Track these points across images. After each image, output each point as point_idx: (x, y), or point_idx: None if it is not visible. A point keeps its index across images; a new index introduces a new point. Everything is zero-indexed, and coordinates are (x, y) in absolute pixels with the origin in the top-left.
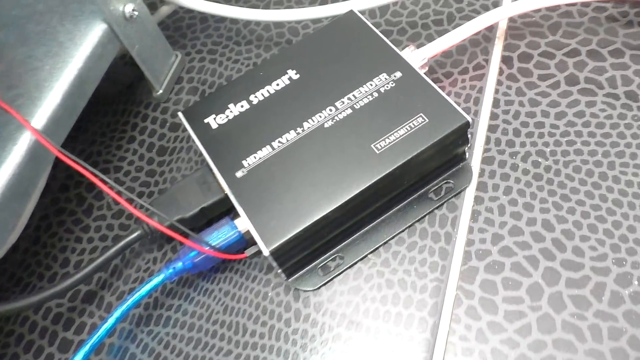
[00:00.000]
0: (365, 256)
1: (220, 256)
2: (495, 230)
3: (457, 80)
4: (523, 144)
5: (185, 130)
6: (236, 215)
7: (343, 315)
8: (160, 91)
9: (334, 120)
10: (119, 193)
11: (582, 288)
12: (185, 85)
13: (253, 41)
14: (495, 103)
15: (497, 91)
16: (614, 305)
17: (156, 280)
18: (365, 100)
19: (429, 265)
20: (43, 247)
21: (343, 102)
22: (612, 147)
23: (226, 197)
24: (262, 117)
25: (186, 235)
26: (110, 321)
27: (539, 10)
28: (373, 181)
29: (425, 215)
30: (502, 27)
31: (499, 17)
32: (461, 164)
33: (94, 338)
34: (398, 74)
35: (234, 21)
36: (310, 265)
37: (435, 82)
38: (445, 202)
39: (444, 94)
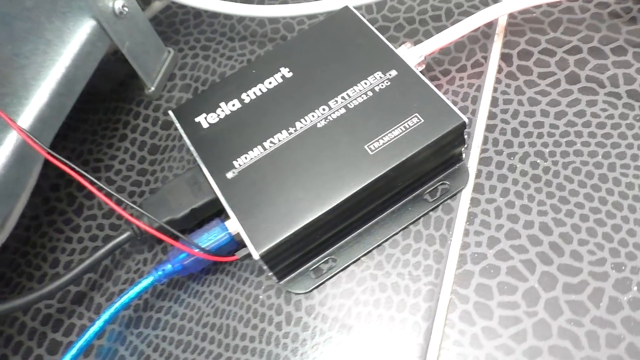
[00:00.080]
0: (359, 259)
1: (210, 259)
2: (491, 233)
3: (454, 78)
4: (521, 145)
5: (177, 128)
6: (227, 216)
7: (335, 319)
8: (152, 88)
9: (327, 120)
10: (108, 195)
11: (580, 293)
12: (178, 82)
13: (247, 37)
14: (494, 102)
15: (495, 89)
16: (612, 311)
17: (144, 283)
18: (360, 100)
19: (423, 268)
20: (33, 247)
21: (336, 102)
22: (613, 148)
23: (217, 198)
24: (254, 116)
25: (176, 237)
26: (98, 324)
27: (539, 6)
28: (366, 183)
29: (420, 217)
30: (502, 23)
31: (498, 13)
32: (457, 164)
33: (81, 341)
34: (393, 73)
35: (228, 16)
36: (303, 268)
37: (432, 80)
38: (440, 203)
39: (440, 94)
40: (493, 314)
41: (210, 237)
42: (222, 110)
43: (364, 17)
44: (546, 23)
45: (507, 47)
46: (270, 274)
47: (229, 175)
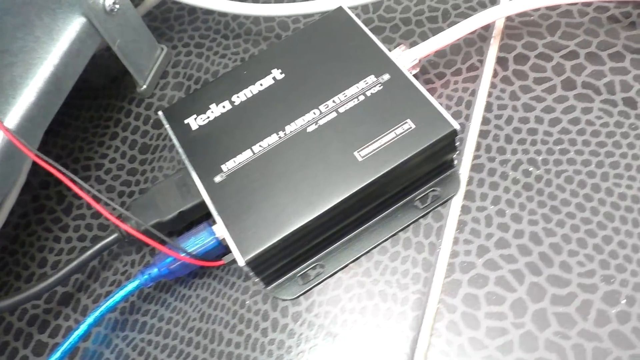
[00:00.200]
0: (347, 265)
1: (196, 263)
2: (481, 242)
3: (449, 82)
4: (514, 152)
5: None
6: (215, 220)
7: (321, 327)
8: (145, 86)
9: (317, 125)
10: (95, 198)
11: (568, 305)
12: (171, 80)
13: (241, 35)
14: (488, 107)
15: (490, 94)
16: (599, 324)
17: (130, 286)
18: (351, 104)
19: (412, 276)
20: (21, 246)
21: (327, 106)
22: (606, 157)
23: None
24: (243, 118)
25: (163, 241)
26: (82, 328)
27: (538, 9)
28: (354, 190)
29: (409, 224)
30: (499, 26)
31: (496, 15)
32: (449, 171)
33: (66, 344)
34: (386, 77)
35: (223, 13)
36: (290, 274)
37: (427, 83)
38: (430, 210)
39: (432, 99)
40: (480, 324)
41: (197, 241)
42: (212, 112)
43: (359, 17)
44: (544, 26)
45: (503, 51)
46: (257, 279)
47: (217, 179)
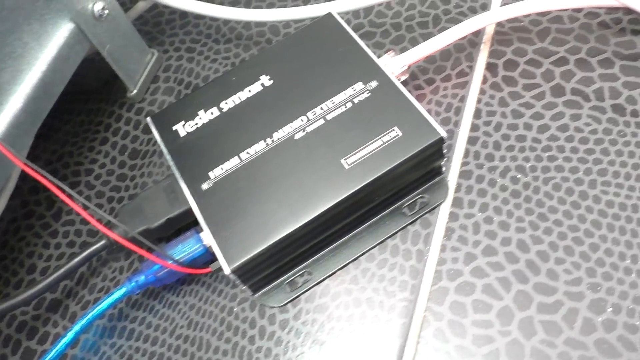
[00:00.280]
0: (334, 273)
1: (183, 271)
2: (468, 250)
3: (439, 88)
4: (502, 158)
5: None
6: (202, 227)
7: (308, 334)
8: (135, 91)
9: (305, 132)
10: (83, 205)
11: (554, 314)
12: (162, 85)
13: (232, 40)
14: (477, 113)
15: (479, 100)
16: (585, 332)
17: (117, 294)
18: (339, 111)
19: (399, 284)
20: (10, 252)
21: (315, 113)
22: (594, 164)
23: None
24: (231, 125)
25: (150, 249)
26: (70, 334)
27: (528, 15)
28: (340, 199)
29: (397, 231)
30: (489, 32)
31: (486, 21)
32: (437, 178)
33: (53, 352)
34: (374, 84)
35: (214, 18)
36: (278, 281)
37: (416, 89)
38: (418, 217)
39: (419, 107)
40: (467, 332)
41: (184, 249)
42: (200, 119)
43: (350, 22)
44: (534, 32)
45: (493, 57)
46: (244, 287)
47: (204, 186)
